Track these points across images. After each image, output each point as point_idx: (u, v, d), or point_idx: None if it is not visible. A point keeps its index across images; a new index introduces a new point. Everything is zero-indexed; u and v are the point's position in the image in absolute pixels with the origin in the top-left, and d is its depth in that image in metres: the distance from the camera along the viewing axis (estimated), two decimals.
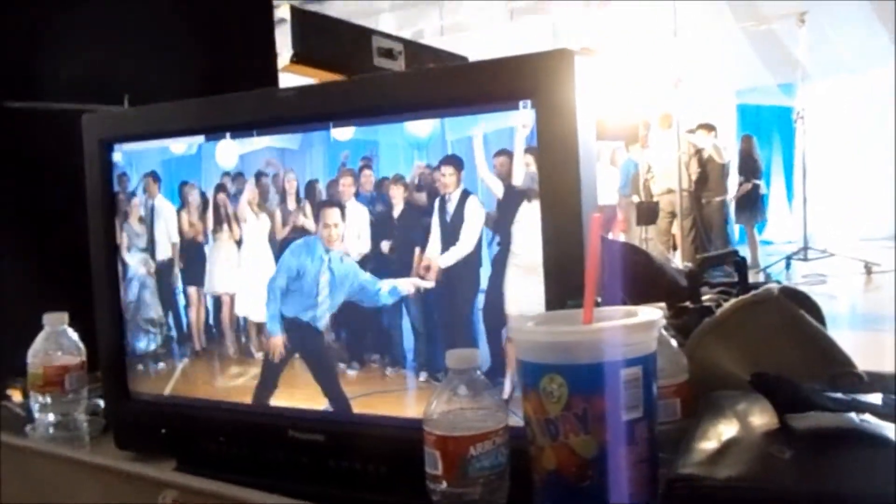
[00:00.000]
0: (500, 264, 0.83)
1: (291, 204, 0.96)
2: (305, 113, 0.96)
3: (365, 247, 0.91)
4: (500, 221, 0.83)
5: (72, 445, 1.09)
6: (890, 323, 5.99)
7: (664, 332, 0.85)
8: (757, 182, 8.68)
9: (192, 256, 1.04)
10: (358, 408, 0.92)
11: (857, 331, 5.87)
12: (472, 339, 0.85)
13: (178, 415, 1.06)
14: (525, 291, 0.82)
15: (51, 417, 1.10)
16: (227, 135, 1.00)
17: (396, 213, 0.89)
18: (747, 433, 0.67)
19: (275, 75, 2.16)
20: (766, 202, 9.03)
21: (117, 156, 1.09)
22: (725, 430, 0.69)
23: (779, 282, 1.11)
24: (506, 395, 0.82)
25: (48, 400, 1.10)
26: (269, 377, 0.99)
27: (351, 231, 0.92)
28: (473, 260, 0.85)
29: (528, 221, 0.81)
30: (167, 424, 1.06)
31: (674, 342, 0.86)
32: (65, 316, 1.12)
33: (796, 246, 8.56)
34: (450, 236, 0.86)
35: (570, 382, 0.64)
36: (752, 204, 8.72)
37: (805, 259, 8.22)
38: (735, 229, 8.81)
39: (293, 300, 0.96)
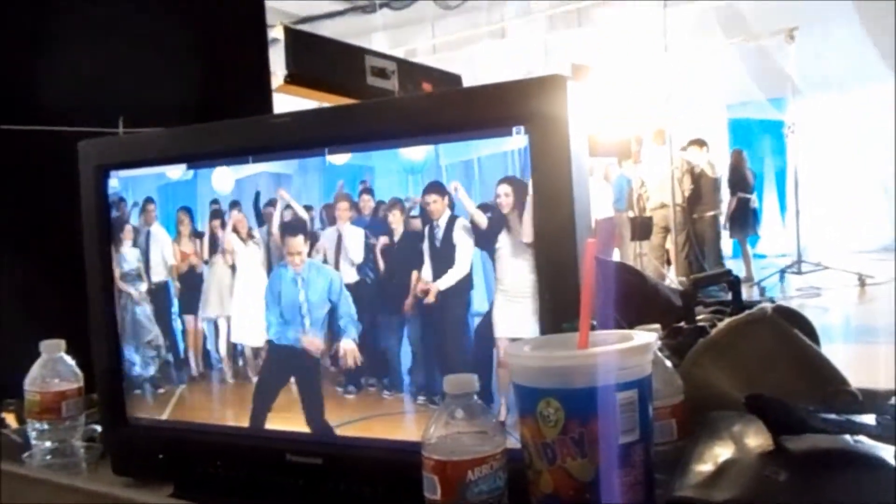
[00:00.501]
0: (489, 289, 0.84)
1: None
2: (301, 138, 0.97)
3: (358, 270, 0.91)
4: (487, 248, 0.84)
5: (69, 472, 1.09)
6: (884, 335, 6.01)
7: (659, 354, 0.85)
8: (747, 196, 8.71)
9: (188, 282, 1.04)
10: (355, 432, 0.92)
11: (852, 343, 5.88)
12: (467, 361, 0.85)
13: (175, 440, 1.06)
14: (510, 317, 0.83)
15: (48, 444, 1.10)
16: (223, 161, 1.00)
17: (396, 237, 0.90)
18: (743, 455, 0.68)
19: (269, 95, 2.18)
20: (759, 216, 9.05)
21: (113, 182, 1.10)
22: (721, 451, 0.69)
23: (772, 299, 1.12)
24: (502, 416, 0.83)
25: (45, 427, 1.10)
26: (265, 401, 0.99)
27: (346, 256, 0.92)
28: (465, 283, 0.86)
29: (507, 250, 0.82)
30: (164, 450, 1.06)
31: (669, 363, 0.86)
32: (62, 343, 1.12)
33: (790, 259, 8.59)
34: (440, 261, 0.87)
35: (566, 407, 0.64)
36: (744, 218, 8.75)
37: (799, 272, 8.25)
38: (730, 243, 8.85)
39: (283, 325, 0.96)
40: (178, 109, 1.71)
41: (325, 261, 0.94)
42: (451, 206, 0.86)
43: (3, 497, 1.01)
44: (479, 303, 0.85)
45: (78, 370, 1.12)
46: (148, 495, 0.98)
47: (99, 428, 1.17)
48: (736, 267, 8.38)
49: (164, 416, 1.07)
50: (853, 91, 10.32)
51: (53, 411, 1.09)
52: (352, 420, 0.93)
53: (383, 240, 0.90)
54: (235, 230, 0.99)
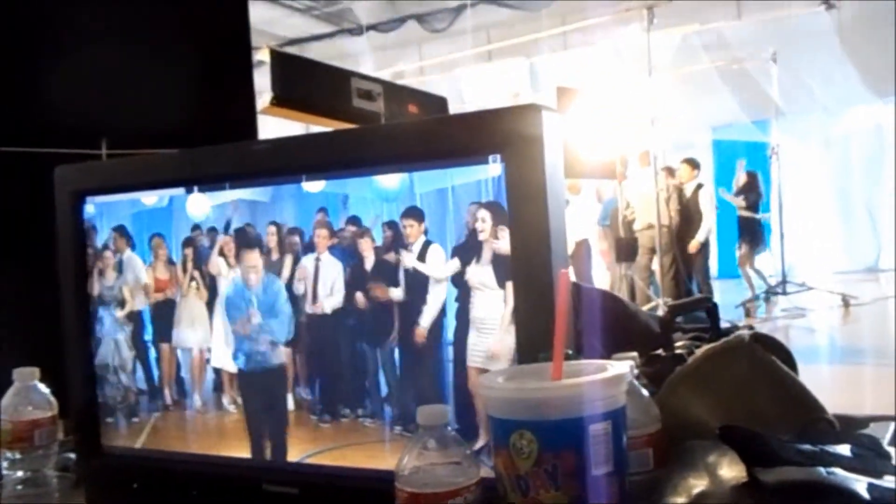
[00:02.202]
0: (459, 318, 0.84)
1: (275, 255, 0.96)
2: (279, 166, 0.96)
3: (338, 301, 0.91)
4: (457, 278, 0.84)
5: (40, 501, 1.07)
6: (868, 356, 6.05)
7: (636, 383, 0.85)
8: (761, 215, 8.80)
9: (163, 310, 1.03)
10: (330, 460, 0.92)
11: (837, 364, 5.91)
12: (442, 390, 0.85)
13: (150, 469, 1.04)
14: (479, 347, 0.83)
15: (20, 474, 1.08)
16: (200, 188, 1.00)
17: (369, 265, 0.89)
18: (717, 487, 0.67)
19: (254, 117, 2.18)
20: (768, 234, 9.13)
21: (89, 208, 1.09)
22: (696, 483, 0.69)
23: (751, 326, 1.12)
24: (479, 444, 0.82)
25: (17, 456, 1.08)
26: (241, 429, 0.98)
27: (323, 283, 0.92)
28: (440, 313, 0.85)
29: (479, 279, 0.82)
30: (139, 479, 1.05)
31: (645, 392, 0.86)
32: (35, 371, 1.10)
33: (774, 279, 8.64)
34: (414, 289, 0.86)
35: (539, 438, 0.64)
36: (753, 235, 8.82)
37: (784, 293, 8.29)
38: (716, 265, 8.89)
39: (253, 353, 0.96)
40: (162, 131, 1.71)
41: (304, 288, 0.93)
42: (426, 231, 0.86)
43: None
44: (452, 332, 0.84)
45: (52, 398, 1.11)
46: None
47: (73, 456, 1.15)
48: (723, 287, 8.45)
49: (139, 445, 1.06)
50: (836, 113, 10.46)
51: (26, 440, 1.08)
52: (325, 448, 0.92)
53: (358, 268, 0.90)
54: (222, 253, 0.98)
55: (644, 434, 0.83)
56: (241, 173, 0.98)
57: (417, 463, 0.71)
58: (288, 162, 0.96)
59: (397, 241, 0.87)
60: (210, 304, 1.00)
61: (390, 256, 0.88)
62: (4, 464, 1.09)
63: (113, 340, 1.07)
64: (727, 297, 8.08)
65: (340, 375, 0.91)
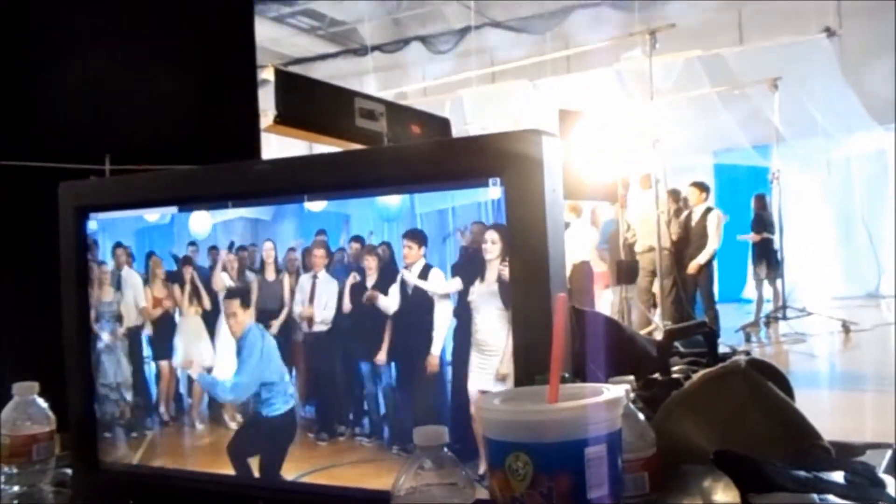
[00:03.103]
0: (459, 339, 0.85)
1: (270, 274, 0.96)
2: (281, 186, 0.97)
3: (330, 316, 0.92)
4: (460, 298, 0.85)
5: None
6: (868, 383, 6.03)
7: (632, 406, 0.85)
8: (770, 237, 8.81)
9: (161, 327, 1.04)
10: (326, 479, 0.92)
11: (837, 390, 5.90)
12: (441, 411, 0.85)
13: (146, 485, 1.05)
14: (483, 369, 0.83)
15: (16, 489, 1.08)
16: (203, 206, 1.01)
17: (370, 283, 0.90)
18: None
19: (257, 135, 2.20)
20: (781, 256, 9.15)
21: (92, 224, 1.10)
22: None
23: (747, 352, 1.12)
24: (481, 470, 0.82)
25: (14, 470, 1.08)
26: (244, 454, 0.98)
27: (319, 302, 0.92)
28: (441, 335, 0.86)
29: (483, 300, 0.83)
30: (135, 495, 1.05)
31: (642, 416, 0.86)
32: (35, 385, 1.10)
33: (773, 305, 8.63)
34: (413, 312, 0.87)
35: (534, 461, 0.64)
36: (767, 259, 8.83)
37: (784, 318, 8.28)
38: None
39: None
40: (166, 147, 1.72)
41: (301, 304, 0.94)
42: (425, 255, 0.87)
43: None
44: (451, 353, 0.85)
45: (50, 413, 1.11)
46: None
47: (69, 472, 1.15)
48: (723, 311, 8.44)
49: (135, 461, 1.06)
50: (837, 139, 10.50)
51: (23, 455, 1.07)
52: (322, 467, 0.92)
53: (357, 287, 0.90)
54: (225, 269, 0.99)
55: (640, 458, 0.83)
56: (244, 192, 0.99)
57: (414, 483, 0.71)
58: (290, 182, 0.97)
59: (397, 261, 0.88)
60: (212, 322, 1.00)
61: (390, 276, 0.88)
62: (1, 478, 1.09)
63: (112, 356, 1.07)
64: (727, 321, 8.07)
65: (338, 394, 0.92)
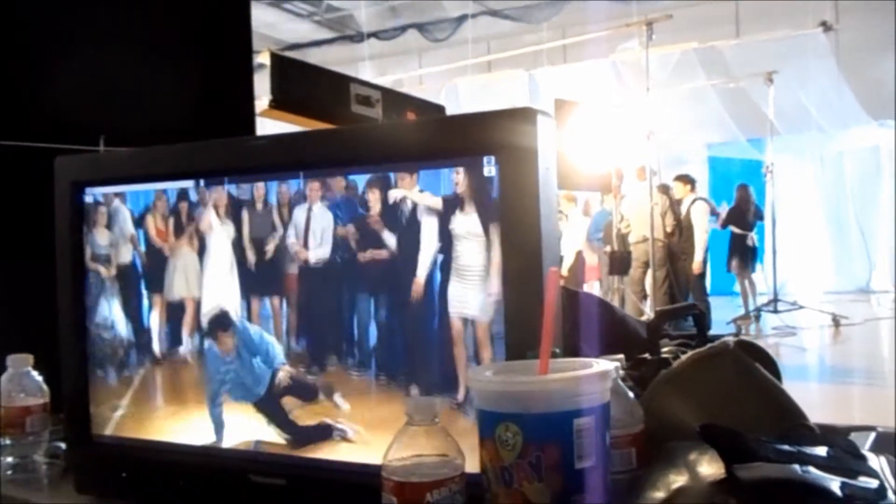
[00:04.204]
0: (445, 269, 0.86)
1: (260, 205, 0.97)
2: (276, 161, 0.98)
3: (326, 252, 0.93)
4: (441, 229, 0.86)
5: (29, 488, 1.08)
6: (857, 376, 6.08)
7: (621, 384, 0.87)
8: (744, 233, 8.80)
9: (156, 262, 1.04)
10: (319, 412, 0.93)
11: (826, 383, 5.94)
12: (428, 341, 0.87)
13: (139, 458, 1.05)
14: (462, 297, 0.85)
15: (9, 459, 1.09)
16: (199, 182, 1.02)
17: (370, 213, 0.91)
18: (695, 482, 0.69)
19: (253, 120, 2.20)
20: (758, 253, 9.13)
21: (88, 198, 1.10)
22: (675, 479, 0.70)
23: (736, 334, 1.14)
24: (461, 397, 0.84)
25: (7, 442, 1.09)
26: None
27: (314, 235, 0.93)
28: (432, 263, 0.87)
29: (464, 228, 0.85)
30: (128, 468, 1.06)
31: (630, 393, 0.88)
32: (29, 357, 1.11)
33: (766, 298, 8.67)
34: (407, 240, 0.88)
35: (524, 431, 0.65)
36: (740, 254, 8.84)
37: (775, 311, 8.33)
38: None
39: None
40: (161, 131, 1.72)
41: (295, 237, 0.95)
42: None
43: None
44: (439, 283, 0.86)
45: (44, 386, 1.12)
46: None
47: (62, 445, 1.16)
48: (714, 304, 8.47)
49: (126, 401, 1.06)
50: (831, 134, 10.53)
51: (17, 426, 1.09)
52: (313, 400, 0.93)
53: (350, 218, 0.91)
54: (215, 207, 1.00)
55: (628, 434, 0.84)
56: (240, 168, 0.99)
57: (404, 454, 0.72)
58: (284, 158, 0.97)
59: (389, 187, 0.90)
60: (205, 256, 1.01)
61: (383, 204, 0.89)
62: None
63: (106, 291, 1.07)
64: (718, 314, 8.11)
65: (329, 327, 0.93)
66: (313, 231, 0.94)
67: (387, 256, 0.89)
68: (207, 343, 1.01)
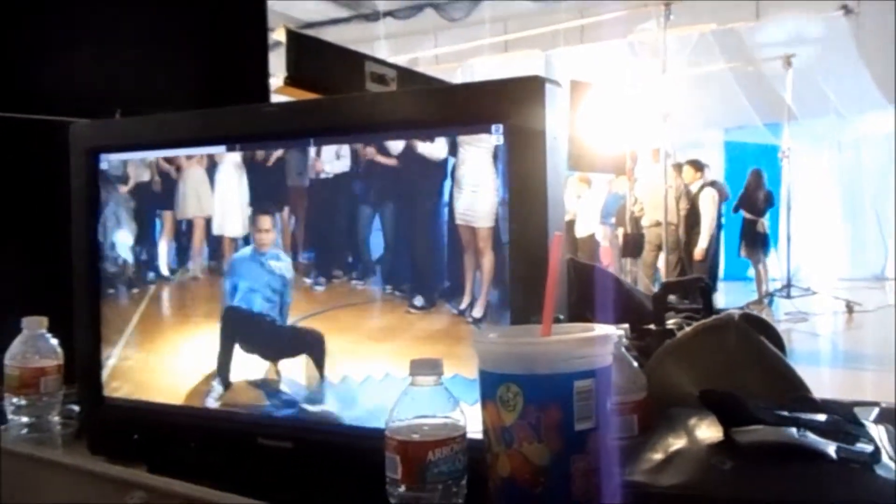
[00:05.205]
0: (451, 178, 0.88)
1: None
2: (288, 128, 0.99)
3: (345, 165, 0.94)
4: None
5: (43, 447, 1.10)
6: (869, 362, 6.06)
7: (625, 352, 0.88)
8: (754, 218, 8.74)
9: (167, 180, 1.07)
10: (321, 323, 0.94)
11: (839, 369, 5.93)
12: (437, 251, 0.88)
13: (149, 421, 1.08)
14: (467, 204, 0.86)
15: (24, 419, 1.12)
16: (213, 148, 1.03)
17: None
18: (693, 445, 0.70)
19: (267, 97, 2.20)
20: (770, 238, 9.06)
21: (104, 165, 1.12)
22: (673, 442, 0.72)
23: (742, 307, 1.14)
24: (464, 305, 0.86)
25: (23, 402, 1.11)
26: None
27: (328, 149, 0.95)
28: (439, 172, 0.88)
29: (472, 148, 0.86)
30: (139, 430, 1.08)
31: (634, 362, 0.89)
32: (44, 319, 1.13)
33: (779, 283, 8.63)
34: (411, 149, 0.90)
35: (525, 391, 0.66)
36: (751, 239, 8.78)
37: (788, 296, 8.29)
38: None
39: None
40: (176, 107, 1.74)
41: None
42: None
43: None
44: (448, 193, 0.88)
45: (58, 348, 1.14)
46: (123, 471, 1.00)
47: (76, 408, 1.18)
48: (727, 289, 8.45)
49: (136, 318, 1.08)
50: (849, 119, 10.41)
51: (32, 387, 1.11)
52: (318, 311, 0.95)
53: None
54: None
55: (630, 401, 0.85)
56: (252, 134, 1.01)
57: (408, 413, 0.74)
58: (297, 124, 0.98)
59: None
60: (217, 172, 1.03)
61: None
62: (10, 408, 1.12)
63: (119, 211, 1.10)
64: (731, 299, 8.08)
65: (336, 239, 0.94)
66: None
67: (394, 164, 0.90)
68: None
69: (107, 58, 1.77)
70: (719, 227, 8.09)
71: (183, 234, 1.06)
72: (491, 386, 0.68)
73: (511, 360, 0.67)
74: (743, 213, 8.82)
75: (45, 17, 1.71)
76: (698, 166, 8.22)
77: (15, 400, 1.11)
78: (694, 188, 8.01)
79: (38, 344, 1.12)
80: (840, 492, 0.60)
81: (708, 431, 0.72)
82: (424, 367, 0.74)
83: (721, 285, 8.88)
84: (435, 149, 0.88)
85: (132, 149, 1.10)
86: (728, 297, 7.92)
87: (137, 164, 1.09)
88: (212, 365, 1.03)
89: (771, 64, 8.81)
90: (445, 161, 0.88)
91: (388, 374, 0.89)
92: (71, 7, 1.75)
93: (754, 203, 8.75)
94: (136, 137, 1.11)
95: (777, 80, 8.66)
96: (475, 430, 0.73)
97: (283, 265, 0.97)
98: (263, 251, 0.98)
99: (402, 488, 0.72)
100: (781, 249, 8.80)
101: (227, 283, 1.01)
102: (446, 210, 0.88)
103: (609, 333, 0.69)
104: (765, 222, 8.81)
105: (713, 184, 8.22)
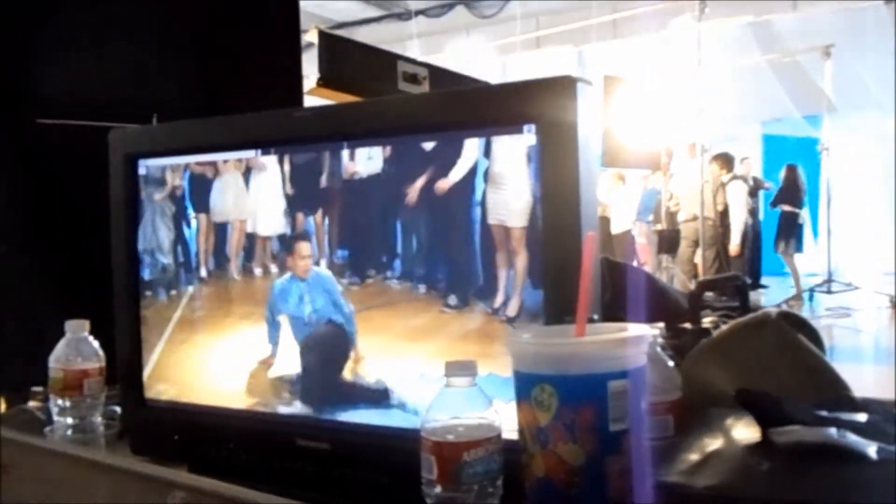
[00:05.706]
0: (481, 176, 0.88)
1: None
2: (321, 132, 1.00)
3: (377, 166, 0.95)
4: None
5: (87, 448, 1.13)
6: None
7: (660, 351, 0.87)
8: (795, 211, 8.63)
9: (203, 183, 1.09)
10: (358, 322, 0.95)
11: (883, 365, 5.81)
12: (470, 250, 0.89)
13: (190, 422, 1.09)
14: (500, 204, 0.87)
15: (69, 420, 1.14)
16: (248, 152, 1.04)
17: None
18: (729, 445, 0.69)
19: (301, 98, 2.22)
20: (803, 232, 8.95)
21: (142, 170, 1.14)
22: (710, 442, 0.71)
23: (779, 305, 1.13)
24: (497, 304, 0.86)
25: (67, 403, 1.14)
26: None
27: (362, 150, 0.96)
28: (472, 172, 0.89)
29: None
30: (180, 431, 1.10)
31: (669, 361, 0.88)
32: (86, 323, 1.16)
33: (820, 278, 8.49)
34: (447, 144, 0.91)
35: (559, 392, 0.66)
36: (789, 232, 8.67)
37: (829, 292, 8.14)
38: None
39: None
40: (210, 112, 1.76)
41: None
42: None
43: (25, 468, 1.05)
44: (480, 193, 0.88)
45: (100, 351, 1.16)
46: (164, 471, 1.02)
47: (118, 409, 1.20)
48: (771, 283, 8.31)
49: (172, 324, 1.10)
50: (890, 111, 10.18)
51: (75, 388, 1.13)
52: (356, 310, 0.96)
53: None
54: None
55: (666, 401, 0.85)
56: (286, 138, 1.02)
57: (443, 414, 0.74)
58: (330, 128, 0.99)
59: None
60: (252, 177, 1.04)
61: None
62: (55, 410, 1.14)
63: (157, 217, 1.12)
64: (770, 295, 7.96)
65: (370, 238, 0.95)
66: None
67: (427, 165, 0.91)
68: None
69: (142, 63, 1.80)
70: (756, 221, 7.98)
71: (220, 237, 1.07)
72: (525, 386, 0.68)
73: (545, 361, 0.67)
74: (781, 208, 8.70)
75: (82, 25, 1.75)
76: (726, 159, 8.12)
77: (59, 402, 1.14)
78: (726, 181, 7.92)
79: (80, 346, 1.15)
80: (881, 494, 0.59)
81: (745, 432, 0.71)
82: (459, 368, 0.75)
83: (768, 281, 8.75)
84: (467, 149, 0.89)
85: (169, 154, 1.12)
86: (767, 294, 7.80)
87: (174, 169, 1.11)
88: (251, 366, 1.05)
89: (809, 55, 8.65)
90: (478, 161, 0.88)
91: (423, 374, 0.90)
92: (106, 14, 1.78)
93: (790, 198, 8.63)
94: (173, 143, 1.13)
95: (815, 71, 8.51)
96: (511, 429, 0.73)
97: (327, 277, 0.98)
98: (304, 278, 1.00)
99: (438, 489, 0.73)
100: (822, 244, 8.65)
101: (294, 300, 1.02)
102: (479, 209, 0.88)
103: (643, 333, 0.69)
104: (805, 214, 8.69)
105: (743, 177, 8.11)
